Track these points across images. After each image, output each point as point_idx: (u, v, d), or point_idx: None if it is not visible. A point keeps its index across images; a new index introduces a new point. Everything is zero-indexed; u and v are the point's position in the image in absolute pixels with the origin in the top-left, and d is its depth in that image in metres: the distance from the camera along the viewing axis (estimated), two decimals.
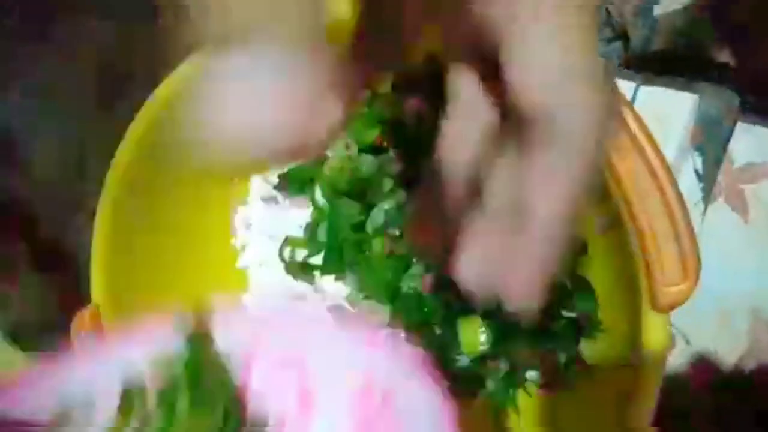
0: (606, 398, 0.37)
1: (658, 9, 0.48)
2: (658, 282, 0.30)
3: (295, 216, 0.42)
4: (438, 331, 0.40)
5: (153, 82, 0.38)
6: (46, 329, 0.47)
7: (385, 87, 0.40)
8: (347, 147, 0.39)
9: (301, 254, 0.41)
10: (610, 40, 0.48)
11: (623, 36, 0.47)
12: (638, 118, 0.31)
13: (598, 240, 0.39)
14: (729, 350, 0.48)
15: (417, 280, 0.37)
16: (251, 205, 0.46)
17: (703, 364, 0.48)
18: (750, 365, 0.49)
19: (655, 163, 0.30)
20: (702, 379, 0.48)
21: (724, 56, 0.48)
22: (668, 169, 0.30)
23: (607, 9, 0.47)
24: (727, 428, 0.48)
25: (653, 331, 0.32)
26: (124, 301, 0.39)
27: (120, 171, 0.38)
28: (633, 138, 0.31)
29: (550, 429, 0.41)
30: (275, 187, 0.43)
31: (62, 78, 0.52)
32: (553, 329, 0.40)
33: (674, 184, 0.30)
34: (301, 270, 0.40)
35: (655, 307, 0.31)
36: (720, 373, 0.48)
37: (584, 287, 0.39)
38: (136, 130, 0.38)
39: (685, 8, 0.47)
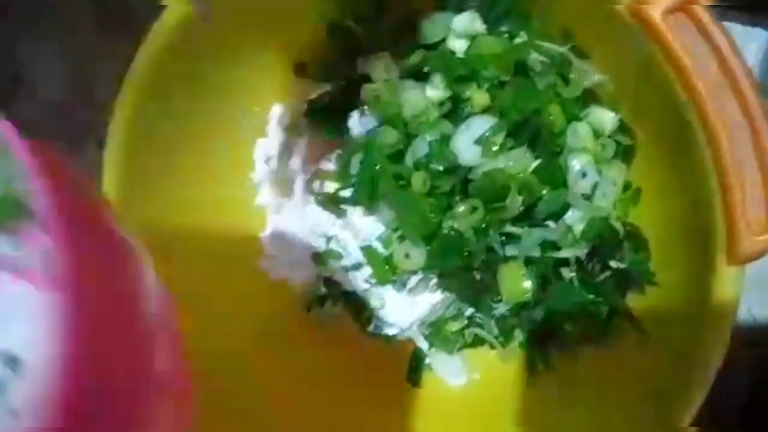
0: (657, 365, 0.34)
1: None
2: (741, 231, 0.28)
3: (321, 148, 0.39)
4: (477, 276, 0.37)
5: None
6: None
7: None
8: (387, 70, 0.35)
9: (330, 187, 0.38)
10: None
11: None
12: (733, 48, 0.27)
13: (654, 185, 0.36)
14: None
15: (460, 221, 0.34)
16: (272, 137, 0.42)
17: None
18: None
19: (750, 100, 0.27)
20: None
21: None
22: (763, 107, 0.27)
23: None
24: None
25: (725, 286, 0.29)
26: (136, 225, 0.36)
27: (138, 83, 0.34)
28: (726, 71, 0.27)
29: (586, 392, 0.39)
30: (304, 115, 0.39)
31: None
32: (599, 279, 0.37)
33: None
34: (331, 202, 0.37)
35: (732, 259, 0.28)
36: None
37: (635, 236, 0.36)
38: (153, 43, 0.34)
39: None
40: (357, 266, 0.39)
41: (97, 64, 0.47)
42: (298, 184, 0.41)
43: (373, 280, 0.39)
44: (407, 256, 0.36)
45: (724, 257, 0.29)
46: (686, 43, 0.27)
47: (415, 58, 0.35)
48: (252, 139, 0.42)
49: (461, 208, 0.34)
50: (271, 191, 0.42)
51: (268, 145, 0.42)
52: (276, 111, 0.41)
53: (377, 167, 0.34)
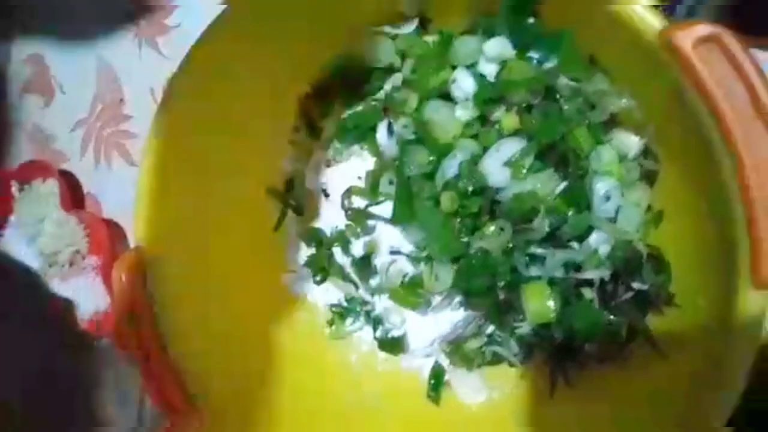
0: (677, 383, 0.35)
1: None
2: (765, 255, 0.28)
3: (352, 166, 0.39)
4: (502, 296, 0.37)
5: None
6: None
7: (460, 26, 0.37)
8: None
9: (360, 203, 0.38)
10: None
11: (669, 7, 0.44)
12: (763, 78, 0.28)
13: (677, 208, 0.36)
14: None
15: (488, 241, 0.35)
16: None
17: None
18: None
19: None
20: None
21: None
22: None
23: None
24: None
25: (749, 309, 0.30)
26: (168, 245, 0.36)
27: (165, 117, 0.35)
28: (755, 100, 0.28)
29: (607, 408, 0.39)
30: (334, 137, 0.40)
31: None
32: (619, 300, 0.37)
33: None
34: (361, 217, 0.37)
35: (758, 282, 0.29)
36: None
37: (657, 258, 0.37)
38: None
39: None
40: (380, 286, 0.40)
41: None
42: (323, 202, 0.42)
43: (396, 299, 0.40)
44: (436, 277, 0.36)
45: (748, 280, 0.29)
46: (716, 73, 0.28)
47: (443, 77, 0.36)
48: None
49: (490, 229, 0.35)
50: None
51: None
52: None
53: (414, 187, 0.35)
